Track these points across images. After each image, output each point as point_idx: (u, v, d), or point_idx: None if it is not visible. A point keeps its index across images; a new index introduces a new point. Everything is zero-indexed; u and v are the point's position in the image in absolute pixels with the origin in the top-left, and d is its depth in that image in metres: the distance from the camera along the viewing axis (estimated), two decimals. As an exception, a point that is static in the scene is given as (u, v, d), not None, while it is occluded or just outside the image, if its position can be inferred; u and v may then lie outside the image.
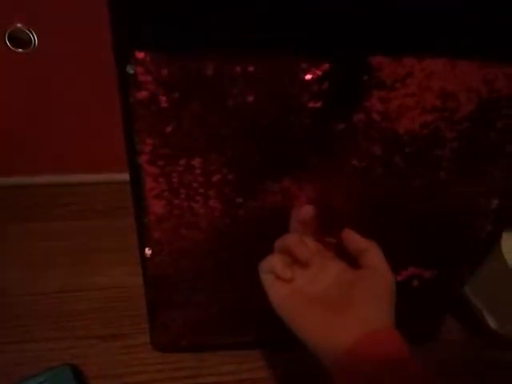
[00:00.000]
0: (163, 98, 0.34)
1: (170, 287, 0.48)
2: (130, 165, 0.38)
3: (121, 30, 0.31)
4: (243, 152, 0.38)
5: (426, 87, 0.35)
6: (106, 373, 0.53)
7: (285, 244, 0.40)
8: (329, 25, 0.32)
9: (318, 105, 0.35)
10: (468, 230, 0.46)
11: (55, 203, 0.75)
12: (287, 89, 0.35)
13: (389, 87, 0.35)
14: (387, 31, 0.33)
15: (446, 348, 0.58)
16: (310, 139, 0.38)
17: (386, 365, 0.34)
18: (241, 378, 0.54)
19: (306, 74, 0.34)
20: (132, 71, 0.32)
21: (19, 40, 0.62)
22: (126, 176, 0.39)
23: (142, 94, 0.34)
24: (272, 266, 0.40)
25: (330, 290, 0.40)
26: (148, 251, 0.44)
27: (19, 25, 0.60)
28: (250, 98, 0.35)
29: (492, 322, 0.56)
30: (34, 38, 0.62)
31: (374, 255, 0.40)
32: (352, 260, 0.41)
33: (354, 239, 0.41)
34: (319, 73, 0.34)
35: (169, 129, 0.36)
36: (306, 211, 0.41)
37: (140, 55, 0.32)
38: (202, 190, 0.40)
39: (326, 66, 0.34)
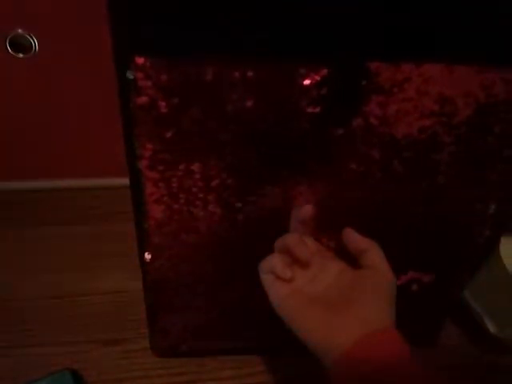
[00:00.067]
0: (163, 103, 0.34)
1: (170, 292, 0.48)
2: (130, 170, 0.38)
3: (121, 35, 0.31)
4: (242, 157, 0.38)
5: (423, 92, 0.35)
6: (106, 377, 0.53)
7: (285, 244, 0.40)
8: (327, 30, 0.33)
9: (317, 110, 0.36)
10: (466, 234, 0.46)
11: (55, 208, 0.75)
12: (286, 94, 0.35)
13: (387, 92, 0.35)
14: (385, 37, 0.33)
15: (445, 352, 0.58)
16: (308, 144, 0.38)
17: (387, 365, 0.34)
18: (241, 383, 0.54)
19: (304, 79, 0.34)
20: (132, 76, 0.33)
21: (20, 45, 0.62)
22: (126, 181, 0.39)
23: (142, 99, 0.34)
24: (272, 265, 0.40)
25: (330, 289, 0.40)
26: (148, 256, 0.44)
27: (20, 30, 0.61)
28: (249, 103, 0.35)
29: (491, 327, 0.56)
30: (35, 43, 0.62)
31: (374, 255, 0.40)
32: (352, 260, 0.41)
33: (354, 238, 0.41)
34: (318, 78, 0.34)
35: (169, 134, 0.36)
36: (306, 211, 0.41)
37: (140, 61, 0.32)
38: (201, 195, 0.40)
39: (325, 71, 0.34)
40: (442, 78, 0.35)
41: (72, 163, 0.76)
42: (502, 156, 0.40)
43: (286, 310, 0.39)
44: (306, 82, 0.34)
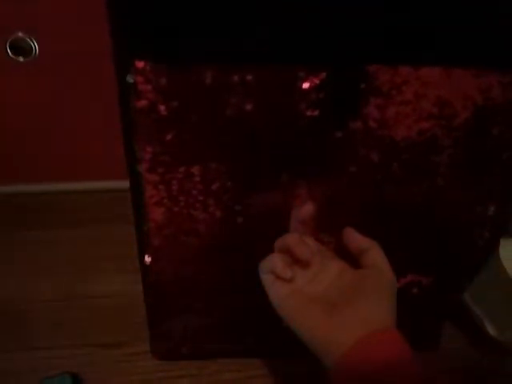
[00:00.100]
0: (163, 107, 0.34)
1: (170, 294, 0.49)
2: (130, 172, 0.38)
3: (121, 40, 0.32)
4: (242, 160, 0.39)
5: (422, 95, 0.36)
6: (106, 381, 0.53)
7: (285, 243, 0.40)
8: (326, 34, 0.33)
9: (316, 113, 0.36)
10: (466, 236, 0.46)
11: (55, 211, 0.75)
12: (285, 97, 0.35)
13: (386, 95, 0.35)
14: (383, 40, 0.33)
15: (446, 355, 0.57)
16: (308, 147, 0.38)
17: (387, 365, 0.34)
18: (241, 386, 0.54)
19: (303, 83, 0.34)
20: (132, 80, 0.33)
21: (20, 48, 0.62)
22: (126, 183, 0.39)
23: (142, 103, 0.34)
24: (272, 265, 0.40)
25: (330, 289, 0.40)
26: (148, 258, 0.44)
27: (20, 34, 0.61)
28: (249, 107, 0.35)
29: (491, 330, 0.56)
30: (35, 46, 0.62)
31: (375, 254, 0.40)
32: (352, 260, 0.41)
33: (355, 238, 0.41)
34: (317, 81, 0.34)
35: (168, 137, 0.36)
36: (306, 210, 0.41)
37: (140, 65, 0.32)
38: (201, 198, 0.40)
39: (324, 74, 0.34)
40: (440, 81, 0.35)
41: (72, 166, 0.76)
42: (500, 158, 0.40)
43: (287, 310, 0.39)
44: (305, 85, 0.34)
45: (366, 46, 0.34)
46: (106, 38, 0.32)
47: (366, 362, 0.34)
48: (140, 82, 0.33)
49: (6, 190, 0.77)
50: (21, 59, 0.63)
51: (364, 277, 0.39)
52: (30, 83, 0.66)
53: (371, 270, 0.40)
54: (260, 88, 0.34)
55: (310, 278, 0.41)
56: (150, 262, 0.44)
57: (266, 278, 0.40)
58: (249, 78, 0.34)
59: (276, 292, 0.40)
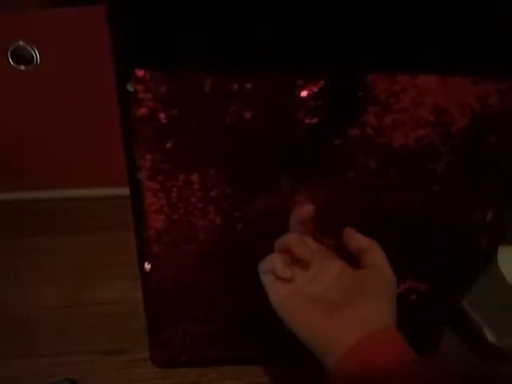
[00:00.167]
0: (162, 115, 0.35)
1: (170, 302, 0.49)
2: (130, 180, 0.39)
3: (121, 49, 0.32)
4: (241, 167, 0.39)
5: (419, 103, 0.36)
6: (106, 388, 0.53)
7: (285, 243, 0.40)
8: (324, 42, 0.33)
9: (314, 120, 0.36)
10: (464, 243, 0.46)
11: (58, 218, 0.75)
12: (284, 105, 0.35)
13: (383, 103, 0.36)
14: (381, 48, 0.34)
15: (445, 361, 0.57)
16: (307, 154, 0.38)
17: (388, 365, 0.34)
18: (241, 393, 0.54)
19: (302, 91, 0.35)
20: (132, 89, 0.33)
21: (22, 57, 0.62)
22: (126, 191, 0.40)
23: (142, 111, 0.34)
24: (272, 265, 0.39)
25: (330, 290, 0.40)
26: (148, 266, 0.44)
27: (22, 42, 0.61)
28: (248, 115, 0.35)
29: (490, 336, 0.56)
30: (36, 55, 0.62)
31: (375, 254, 0.40)
32: (352, 260, 0.41)
33: (355, 238, 0.41)
34: (315, 89, 0.35)
35: (168, 145, 0.36)
36: (306, 210, 0.41)
37: (140, 73, 0.33)
38: (200, 205, 0.40)
39: (322, 82, 0.34)
40: (438, 89, 0.35)
41: (73, 173, 0.76)
42: (498, 165, 0.40)
43: (286, 311, 0.39)
44: (304, 93, 0.35)
45: (363, 55, 0.34)
46: (106, 46, 0.32)
47: (366, 362, 0.34)
48: (140, 90, 0.33)
49: (8, 196, 0.77)
50: (22, 68, 0.63)
51: (364, 277, 0.39)
52: (31, 91, 0.66)
53: (371, 270, 0.39)
54: (259, 96, 0.35)
55: (309, 279, 0.40)
56: (150, 269, 0.45)
57: (266, 278, 0.40)
58: (248, 86, 0.34)
59: (276, 292, 0.39)
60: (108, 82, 0.35)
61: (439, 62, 0.35)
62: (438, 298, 0.51)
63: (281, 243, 0.40)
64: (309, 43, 0.33)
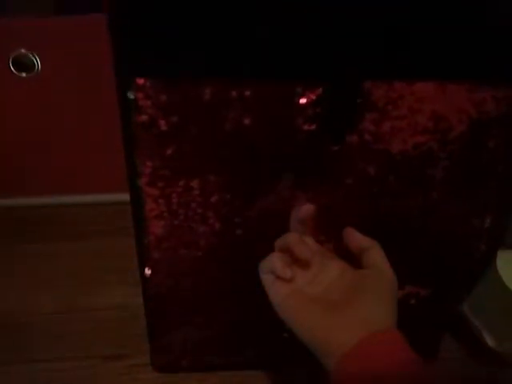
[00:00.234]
0: (162, 122, 0.35)
1: (170, 307, 0.49)
2: (131, 186, 0.39)
3: (122, 57, 0.32)
4: (241, 173, 0.39)
5: (417, 110, 0.36)
6: (107, 393, 0.53)
7: (285, 243, 0.40)
8: (322, 51, 0.33)
9: (313, 127, 0.36)
10: (463, 248, 0.46)
11: (56, 224, 0.75)
12: (283, 112, 0.36)
13: (381, 110, 0.36)
14: (378, 57, 0.34)
15: (445, 366, 0.57)
16: (306, 160, 0.39)
17: (388, 365, 0.34)
18: (241, 398, 0.54)
19: (300, 98, 0.35)
20: (133, 96, 0.34)
21: (23, 65, 0.63)
22: (126, 196, 0.40)
23: (142, 118, 0.35)
24: (272, 265, 0.39)
25: (330, 290, 0.40)
26: (148, 271, 0.45)
27: (23, 50, 0.62)
28: (247, 121, 0.36)
29: (490, 340, 0.56)
30: (38, 62, 0.63)
31: (375, 254, 0.40)
32: (352, 261, 0.41)
33: (355, 237, 0.41)
34: (313, 97, 0.35)
35: (168, 151, 0.37)
36: (306, 210, 0.41)
37: (140, 81, 0.33)
38: (200, 211, 0.41)
39: (320, 90, 0.35)
40: (435, 95, 0.36)
41: (73, 179, 0.76)
42: (496, 171, 0.41)
43: (287, 311, 0.38)
44: (302, 100, 0.35)
45: (361, 62, 0.34)
46: (107, 54, 0.32)
47: (366, 362, 0.34)
48: (140, 97, 0.34)
49: (6, 203, 0.77)
50: (23, 75, 0.64)
51: (364, 277, 0.39)
52: (32, 98, 0.66)
53: (371, 270, 0.39)
54: (258, 103, 0.35)
55: (310, 279, 0.40)
56: (150, 274, 0.45)
57: (266, 278, 0.40)
58: (247, 93, 0.34)
59: (276, 292, 0.39)
60: (108, 90, 0.35)
61: (436, 70, 0.35)
62: (438, 304, 0.51)
63: (281, 243, 0.40)
64: (307, 51, 0.33)
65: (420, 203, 0.42)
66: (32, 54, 0.62)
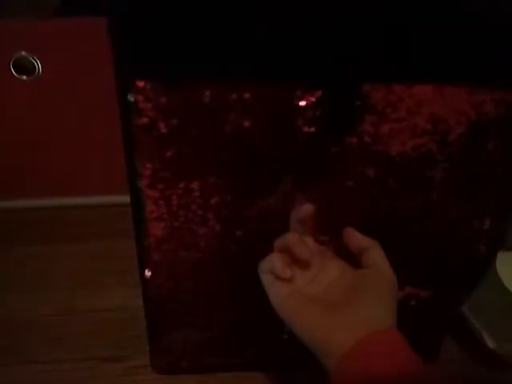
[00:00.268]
0: (162, 124, 0.35)
1: (170, 309, 0.49)
2: (131, 188, 0.39)
3: (122, 60, 0.32)
4: (241, 175, 0.39)
5: (416, 112, 0.36)
6: (107, 395, 0.53)
7: (285, 243, 0.40)
8: (322, 54, 0.34)
9: (313, 129, 0.37)
10: (463, 250, 0.46)
11: (56, 226, 0.75)
12: (282, 114, 0.36)
13: (380, 113, 0.36)
14: (377, 60, 0.34)
15: (445, 367, 0.57)
16: (305, 162, 0.39)
17: (388, 366, 0.34)
18: (241, 400, 0.54)
19: (300, 101, 0.35)
20: (133, 99, 0.34)
21: (24, 67, 0.63)
22: (126, 198, 0.40)
23: (143, 121, 0.35)
24: (271, 265, 0.39)
25: (330, 290, 0.39)
26: (148, 273, 0.45)
27: (24, 53, 0.62)
28: (247, 124, 0.36)
29: (490, 342, 0.56)
30: (38, 65, 0.63)
31: (375, 254, 0.40)
32: (352, 261, 0.41)
33: (355, 237, 0.41)
34: (313, 99, 0.35)
35: (168, 153, 0.37)
36: (306, 210, 0.41)
37: (140, 84, 0.33)
38: (200, 212, 0.41)
39: (320, 92, 0.35)
40: (434, 98, 0.36)
41: (73, 181, 0.76)
42: (495, 173, 0.41)
43: (286, 311, 0.38)
44: (302, 103, 0.35)
45: (360, 65, 0.34)
46: (107, 57, 0.33)
47: (366, 362, 0.34)
48: (140, 100, 0.34)
49: (6, 204, 0.77)
50: (24, 78, 0.64)
51: (364, 277, 0.39)
52: (33, 101, 0.67)
53: (371, 270, 0.39)
54: (258, 105, 0.35)
55: (309, 279, 0.40)
56: (151, 276, 0.45)
57: (266, 278, 0.40)
58: (247, 96, 0.34)
59: (276, 292, 0.39)
60: (109, 92, 0.35)
61: (435, 72, 0.35)
62: (438, 305, 0.51)
63: (281, 243, 0.40)
64: (306, 53, 0.34)
65: (419, 205, 0.42)
66: (32, 56, 0.62)
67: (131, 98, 0.34)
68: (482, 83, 0.36)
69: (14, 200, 0.77)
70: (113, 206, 0.75)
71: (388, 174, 0.40)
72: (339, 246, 0.43)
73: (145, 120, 0.35)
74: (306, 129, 0.37)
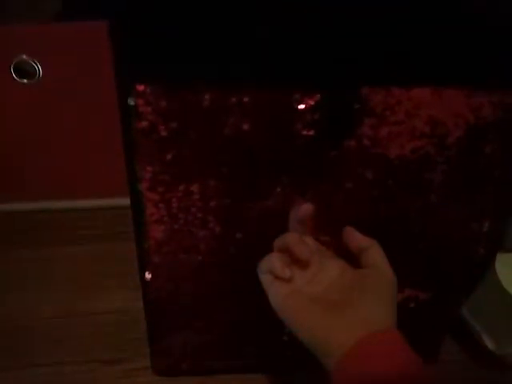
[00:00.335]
0: (162, 128, 0.35)
1: (170, 311, 0.49)
2: (131, 191, 0.39)
3: (122, 65, 0.33)
4: (240, 177, 0.39)
5: (414, 115, 0.36)
6: (107, 397, 0.53)
7: (284, 243, 0.40)
8: (320, 58, 0.34)
9: (312, 132, 0.37)
10: (462, 252, 0.46)
11: (56, 229, 0.75)
12: (281, 118, 0.36)
13: (379, 115, 0.36)
14: (376, 63, 0.34)
15: (445, 369, 0.57)
16: (304, 165, 0.39)
17: (388, 366, 0.34)
18: (241, 402, 0.54)
19: (299, 104, 0.35)
20: (133, 103, 0.34)
21: (24, 71, 0.63)
22: (126, 201, 0.40)
23: (143, 124, 0.35)
24: (271, 265, 0.39)
25: (330, 289, 0.39)
26: (148, 275, 0.45)
27: (24, 56, 0.62)
28: (246, 127, 0.36)
29: (490, 344, 0.56)
30: (39, 69, 0.63)
31: (375, 253, 0.40)
32: (352, 260, 0.41)
33: (355, 237, 0.41)
34: (312, 103, 0.35)
35: (168, 156, 0.37)
36: (305, 210, 0.40)
37: (140, 88, 0.33)
38: (200, 215, 0.41)
39: (318, 96, 0.35)
40: (432, 101, 0.36)
41: (73, 185, 0.76)
42: (493, 175, 0.41)
43: (286, 311, 0.38)
44: (301, 106, 0.35)
45: (358, 69, 0.35)
46: (107, 61, 0.33)
47: (366, 362, 0.34)
48: (140, 104, 0.34)
49: (6, 207, 0.77)
50: (25, 81, 0.64)
51: (364, 276, 0.39)
52: (33, 105, 0.67)
53: (371, 270, 0.39)
54: (256, 109, 0.35)
55: (309, 278, 0.40)
56: (151, 278, 0.45)
57: (265, 278, 0.40)
58: (246, 99, 0.35)
59: (275, 292, 0.39)
60: (109, 96, 0.35)
61: (433, 75, 0.35)
62: (437, 307, 0.51)
63: (280, 243, 0.40)
64: (305, 57, 0.34)
65: (418, 207, 0.42)
66: (33, 60, 0.62)
67: (131, 101, 0.34)
68: (481, 86, 0.36)
69: (14, 203, 0.77)
70: (113, 208, 0.75)
71: (387, 177, 0.40)
72: (339, 245, 0.43)
73: (145, 123, 0.35)
74: (304, 132, 0.37)
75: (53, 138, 0.70)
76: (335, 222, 0.42)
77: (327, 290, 0.40)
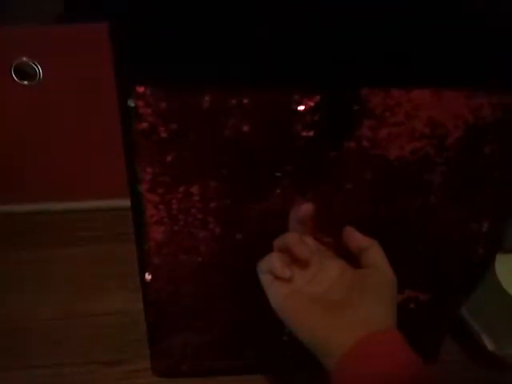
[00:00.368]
0: (162, 129, 0.35)
1: (170, 312, 0.49)
2: (131, 192, 0.39)
3: (122, 66, 0.33)
4: (240, 178, 0.39)
5: (414, 116, 0.37)
6: (107, 398, 0.53)
7: (284, 242, 0.40)
8: (320, 59, 0.34)
9: (311, 133, 0.37)
10: (461, 253, 0.46)
11: (56, 230, 0.75)
12: (281, 119, 0.36)
13: (378, 117, 0.36)
14: (375, 64, 0.34)
15: (445, 369, 0.57)
16: (304, 166, 0.39)
17: (388, 366, 0.34)
18: (242, 403, 0.54)
19: (298, 106, 0.35)
20: (133, 104, 0.34)
21: (25, 73, 0.63)
22: (126, 202, 0.40)
23: (143, 126, 0.35)
24: (270, 265, 0.39)
25: (330, 289, 0.39)
26: (148, 276, 0.45)
27: (25, 58, 0.62)
28: (246, 128, 0.36)
29: (489, 344, 0.56)
30: (39, 71, 0.63)
31: (375, 253, 0.40)
32: (351, 260, 0.41)
33: (355, 237, 0.41)
34: (311, 104, 0.35)
35: (168, 158, 0.37)
36: (305, 210, 0.40)
37: (140, 90, 0.33)
38: (200, 216, 0.41)
39: (318, 97, 0.35)
40: (432, 102, 0.36)
41: (74, 186, 0.76)
42: (492, 176, 0.41)
43: (286, 311, 0.38)
44: (300, 107, 0.35)
45: (358, 70, 0.35)
46: (108, 63, 0.33)
47: (366, 362, 0.34)
48: (141, 105, 0.34)
49: (5, 209, 0.77)
50: (25, 83, 0.64)
51: (364, 276, 0.39)
52: (34, 106, 0.67)
53: (371, 270, 0.39)
54: (256, 110, 0.35)
55: (309, 278, 0.40)
56: (151, 279, 0.45)
57: (265, 278, 0.40)
58: (245, 101, 0.35)
59: (275, 292, 0.39)
60: (109, 98, 0.35)
61: (433, 77, 0.35)
62: (437, 308, 0.51)
63: (280, 243, 0.40)
64: (305, 58, 0.34)
65: (418, 208, 0.42)
66: (33, 62, 0.62)
67: (131, 103, 0.34)
68: (480, 87, 0.36)
69: (14, 204, 0.77)
70: (113, 209, 0.75)
71: (386, 178, 0.40)
72: (339, 245, 0.43)
73: (145, 125, 0.35)
74: (304, 133, 0.37)
75: (53, 139, 0.71)
76: (335, 222, 0.42)
77: (327, 290, 0.40)
